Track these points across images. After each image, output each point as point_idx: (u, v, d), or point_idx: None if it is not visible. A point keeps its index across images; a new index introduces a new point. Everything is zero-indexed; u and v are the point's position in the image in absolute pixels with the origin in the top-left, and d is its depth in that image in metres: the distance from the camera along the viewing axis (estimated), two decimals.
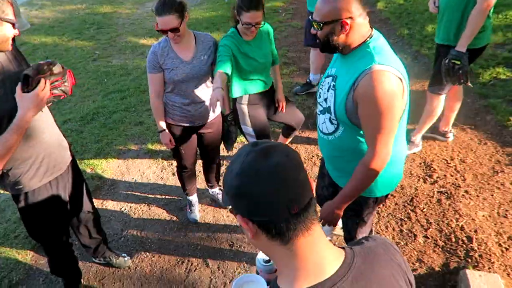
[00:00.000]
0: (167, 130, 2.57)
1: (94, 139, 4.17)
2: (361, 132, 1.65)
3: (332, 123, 1.73)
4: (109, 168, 3.75)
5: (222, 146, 2.97)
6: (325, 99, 1.73)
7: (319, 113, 1.83)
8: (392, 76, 1.48)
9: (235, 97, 2.73)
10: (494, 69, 4.41)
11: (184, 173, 2.92)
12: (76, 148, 3.98)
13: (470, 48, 2.77)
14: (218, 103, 2.05)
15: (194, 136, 2.72)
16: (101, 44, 6.76)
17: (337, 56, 1.77)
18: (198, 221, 3.06)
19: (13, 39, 1.77)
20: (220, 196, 3.23)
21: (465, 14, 2.71)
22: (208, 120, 2.65)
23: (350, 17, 1.53)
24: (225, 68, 2.29)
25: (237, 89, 2.68)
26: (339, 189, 1.81)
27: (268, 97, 2.86)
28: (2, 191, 3.47)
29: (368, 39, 1.59)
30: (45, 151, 1.97)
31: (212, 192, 3.26)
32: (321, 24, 1.57)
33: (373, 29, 1.64)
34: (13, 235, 3.06)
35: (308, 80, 4.47)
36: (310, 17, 1.69)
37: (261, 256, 1.21)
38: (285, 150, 0.83)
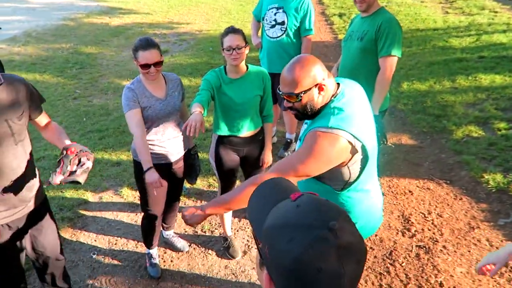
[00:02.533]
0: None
1: None
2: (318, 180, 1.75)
3: None
4: (81, 209, 3.59)
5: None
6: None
7: None
8: (337, 139, 1.53)
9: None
10: (467, 127, 4.60)
11: (153, 222, 2.78)
12: (48, 188, 3.82)
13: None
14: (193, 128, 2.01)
15: (166, 176, 2.65)
16: (83, 83, 6.73)
17: None
18: (160, 276, 2.86)
19: None
20: (174, 239, 3.13)
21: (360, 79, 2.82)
22: (179, 156, 2.65)
23: (323, 78, 1.59)
24: (201, 101, 2.30)
25: (214, 123, 2.68)
26: None
27: (244, 144, 2.69)
28: None
29: (332, 98, 1.64)
30: (17, 190, 1.87)
31: (167, 235, 3.14)
32: (301, 95, 1.58)
33: (340, 85, 1.69)
34: None
35: (288, 140, 4.47)
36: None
37: None
38: (360, 253, 0.72)
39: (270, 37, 3.84)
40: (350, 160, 1.60)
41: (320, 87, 1.58)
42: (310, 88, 1.58)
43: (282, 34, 3.76)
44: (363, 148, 1.60)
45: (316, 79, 1.57)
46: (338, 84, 1.70)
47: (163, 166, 2.57)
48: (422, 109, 5.22)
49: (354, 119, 1.59)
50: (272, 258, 0.73)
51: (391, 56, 2.78)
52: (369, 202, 1.84)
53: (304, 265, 0.68)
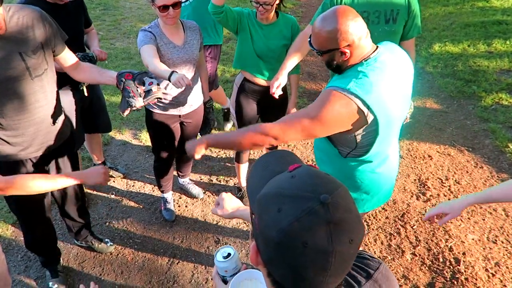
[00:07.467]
0: None
1: None
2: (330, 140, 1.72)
3: None
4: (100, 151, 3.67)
5: None
6: None
7: None
8: (349, 104, 1.44)
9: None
10: (497, 94, 4.41)
11: (163, 166, 2.83)
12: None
13: None
14: None
15: (178, 126, 2.67)
16: (106, 25, 6.67)
17: None
18: (174, 219, 2.96)
19: None
20: (190, 186, 3.20)
21: None
22: (192, 109, 2.61)
23: (348, 45, 1.46)
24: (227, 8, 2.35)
25: (237, 60, 2.67)
26: None
27: (265, 93, 2.63)
28: None
29: (363, 61, 1.51)
30: (36, 126, 1.89)
31: (182, 181, 3.22)
32: (320, 52, 1.53)
33: (378, 48, 1.56)
34: None
35: None
36: None
37: (220, 253, 1.13)
38: (354, 232, 0.67)
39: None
40: (356, 130, 1.53)
41: (343, 53, 1.47)
42: (330, 50, 1.49)
43: None
44: (375, 121, 1.48)
45: (340, 43, 1.45)
46: (377, 47, 1.57)
47: (171, 117, 2.57)
48: (452, 72, 5.00)
49: (377, 87, 1.45)
50: (261, 228, 0.70)
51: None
52: (374, 175, 1.75)
53: (289, 237, 0.64)
